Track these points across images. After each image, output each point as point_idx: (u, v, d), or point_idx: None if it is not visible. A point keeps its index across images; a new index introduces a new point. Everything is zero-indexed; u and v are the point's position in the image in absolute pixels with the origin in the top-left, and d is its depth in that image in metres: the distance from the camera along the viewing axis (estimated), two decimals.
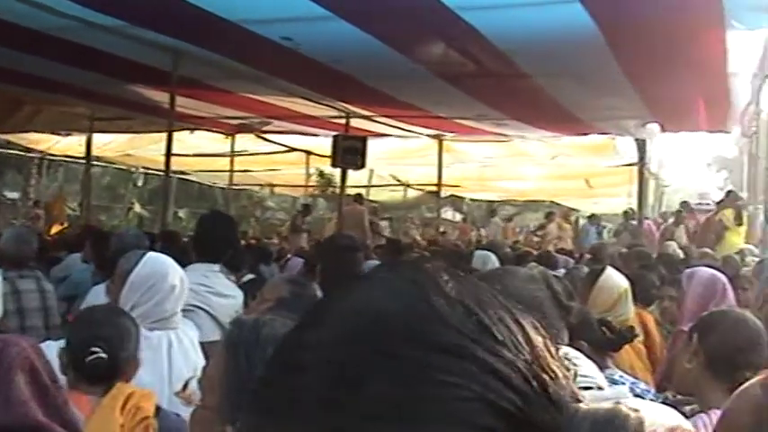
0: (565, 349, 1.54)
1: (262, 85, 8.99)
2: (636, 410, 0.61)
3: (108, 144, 14.97)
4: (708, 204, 12.65)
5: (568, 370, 0.63)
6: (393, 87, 8.94)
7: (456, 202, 22.13)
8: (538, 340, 0.62)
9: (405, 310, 0.59)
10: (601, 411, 0.60)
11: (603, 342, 2.91)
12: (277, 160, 16.03)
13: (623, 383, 2.47)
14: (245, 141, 14.05)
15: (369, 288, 0.63)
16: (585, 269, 4.76)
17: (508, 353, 0.59)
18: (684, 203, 13.32)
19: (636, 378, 3.01)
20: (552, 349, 0.63)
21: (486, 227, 18.01)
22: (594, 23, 6.10)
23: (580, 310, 3.05)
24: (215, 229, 4.19)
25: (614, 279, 3.88)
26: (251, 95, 9.83)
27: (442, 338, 0.58)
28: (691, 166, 39.75)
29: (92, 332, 2.50)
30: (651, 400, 2.42)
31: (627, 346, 3.20)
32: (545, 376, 0.60)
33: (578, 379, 1.49)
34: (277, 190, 21.29)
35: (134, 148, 15.47)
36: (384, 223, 18.46)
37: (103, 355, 2.44)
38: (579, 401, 0.61)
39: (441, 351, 0.57)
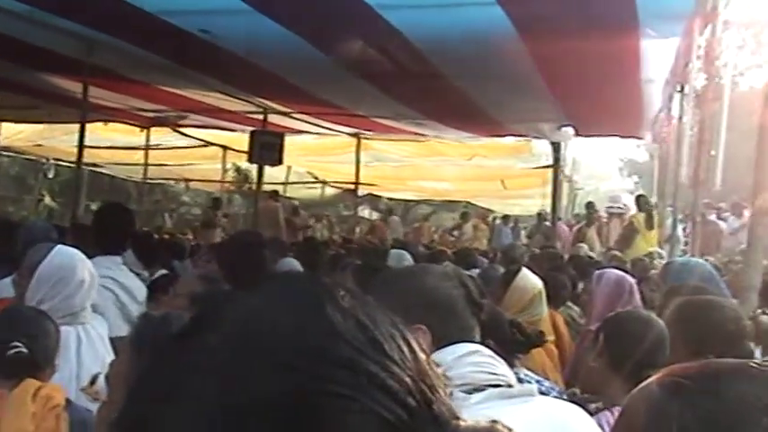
0: (477, 347, 1.55)
1: (178, 78, 8.83)
2: (510, 430, 0.65)
3: (18, 134, 14.50)
4: (619, 208, 12.99)
5: (447, 387, 0.65)
6: (312, 84, 8.89)
7: (373, 200, 22.18)
8: (422, 357, 0.64)
9: (299, 322, 0.60)
10: (479, 428, 0.63)
11: (513, 344, 2.95)
12: (193, 154, 15.79)
13: (529, 382, 2.51)
14: (160, 135, 13.78)
15: (266, 297, 0.64)
16: (501, 269, 4.83)
17: (397, 368, 0.60)
18: (590, 204, 13.66)
19: (544, 377, 3.06)
20: (434, 366, 0.65)
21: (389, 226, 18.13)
22: (513, 27, 6.18)
23: (492, 310, 3.10)
24: (112, 222, 4.07)
25: (529, 279, 3.95)
26: (167, 88, 9.65)
27: (335, 352, 0.59)
28: (604, 169, 40.73)
29: (14, 328, 2.48)
30: (555, 397, 2.46)
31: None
32: (429, 392, 0.61)
33: (489, 377, 1.51)
34: (193, 185, 20.95)
35: (45, 139, 15.01)
36: (311, 220, 18.44)
37: (24, 351, 2.42)
38: (458, 418, 0.63)
39: (332, 364, 0.58)
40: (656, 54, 7.08)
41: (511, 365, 2.83)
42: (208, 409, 0.56)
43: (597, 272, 4.16)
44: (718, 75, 7.95)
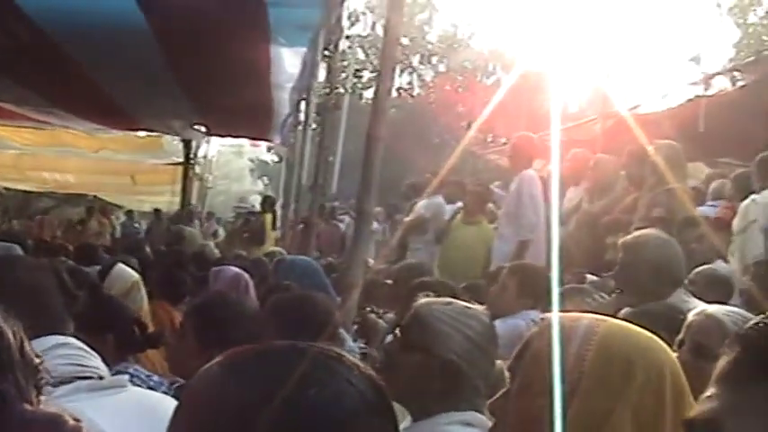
0: (66, 339, 1.52)
1: None
2: (77, 420, 0.67)
3: None
4: (247, 208, 13.33)
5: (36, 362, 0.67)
6: None
7: None
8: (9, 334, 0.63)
9: None
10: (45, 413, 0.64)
11: (131, 342, 2.95)
12: None
13: (135, 375, 2.51)
14: None
15: None
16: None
17: None
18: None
19: (156, 373, 3.07)
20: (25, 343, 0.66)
21: None
22: (146, 20, 6.06)
23: (117, 306, 3.08)
24: None
25: (125, 271, 4.06)
26: None
27: None
28: (238, 170, 41.40)
29: None
30: (164, 392, 2.48)
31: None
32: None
33: (78, 369, 1.48)
34: None
35: None
36: None
37: None
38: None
39: None
40: (286, 61, 7.37)
41: (123, 360, 2.82)
42: None
43: (215, 269, 4.27)
44: (339, 85, 8.50)
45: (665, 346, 1.34)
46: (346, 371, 0.92)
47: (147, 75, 7.82)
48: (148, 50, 6.78)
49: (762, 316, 0.71)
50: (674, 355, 1.43)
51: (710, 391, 0.70)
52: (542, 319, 1.38)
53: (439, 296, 2.44)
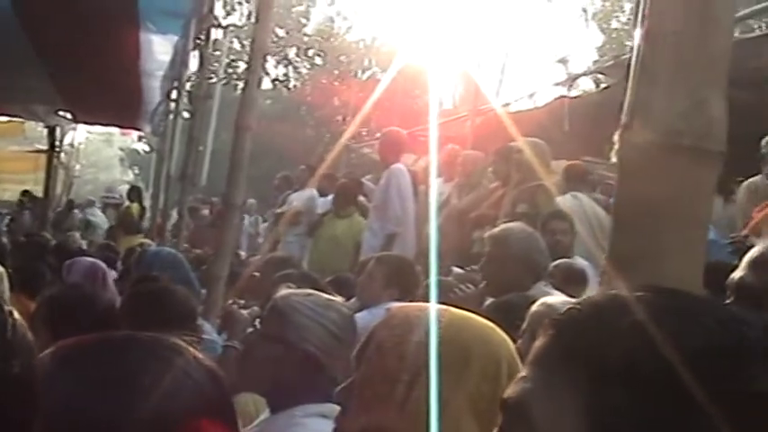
0: None
1: None
2: None
3: None
4: (115, 198, 12.94)
5: None
6: None
7: None
8: None
9: None
10: None
11: None
12: None
13: None
14: None
15: None
16: None
17: None
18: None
19: None
20: None
21: None
22: (9, 2, 5.80)
23: None
24: None
25: None
26: None
27: None
28: (107, 159, 40.09)
29: None
30: None
31: None
32: None
33: None
34: None
35: None
36: None
37: None
38: None
39: None
40: (157, 48, 7.19)
41: None
42: None
43: (68, 261, 4.14)
44: (212, 75, 8.37)
45: (504, 335, 1.39)
46: (183, 362, 0.91)
47: (8, 56, 7.47)
48: (9, 31, 6.48)
49: (576, 301, 0.74)
50: (517, 343, 1.48)
51: (523, 372, 0.73)
52: (389, 309, 1.41)
53: (301, 288, 2.44)
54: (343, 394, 1.44)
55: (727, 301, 1.58)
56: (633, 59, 1.16)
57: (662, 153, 1.07)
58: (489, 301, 3.63)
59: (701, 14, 1.11)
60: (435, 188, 6.76)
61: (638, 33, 1.19)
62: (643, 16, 1.16)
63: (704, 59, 1.10)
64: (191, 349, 0.95)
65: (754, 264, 1.64)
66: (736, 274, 1.66)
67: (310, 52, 25.97)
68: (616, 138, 1.19)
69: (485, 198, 6.87)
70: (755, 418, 0.62)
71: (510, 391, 0.72)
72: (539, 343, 0.72)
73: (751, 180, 5.45)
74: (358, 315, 2.86)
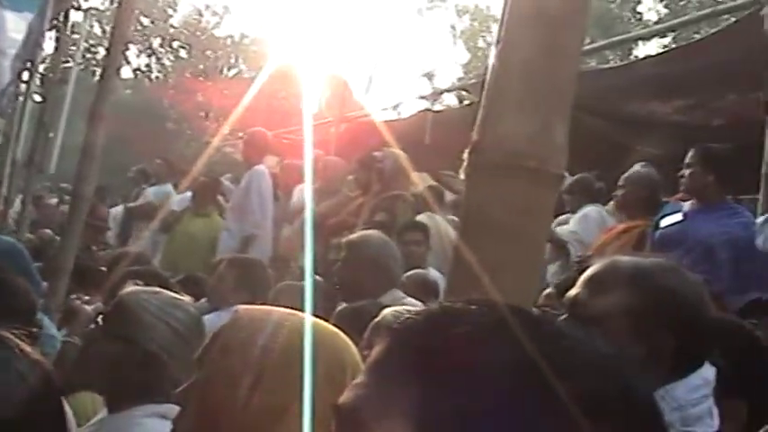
0: None
1: None
2: None
3: None
4: None
5: None
6: None
7: None
8: None
9: None
10: None
11: None
12: None
13: None
14: None
15: None
16: None
17: None
18: None
19: None
20: None
21: None
22: None
23: None
24: None
25: None
26: None
27: None
28: None
29: None
30: None
31: None
32: None
33: None
34: None
35: None
36: None
37: None
38: None
39: None
40: (10, 25, 6.84)
41: None
42: None
43: None
44: (69, 59, 8.03)
45: (348, 341, 1.40)
46: (6, 354, 0.87)
47: None
48: None
49: (413, 310, 0.76)
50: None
51: (359, 378, 0.74)
52: (236, 310, 1.40)
53: (149, 286, 2.38)
54: (183, 395, 1.42)
55: (562, 317, 1.65)
56: (487, 80, 1.21)
57: (507, 173, 1.12)
58: (342, 306, 3.66)
59: (550, 44, 1.17)
60: (310, 192, 6.75)
61: (492, 55, 1.24)
62: (497, 41, 1.20)
63: (550, 87, 1.16)
64: (18, 342, 0.91)
65: (588, 282, 1.72)
66: (572, 292, 1.73)
67: (175, 44, 25.38)
68: (465, 155, 1.23)
69: (344, 205, 6.91)
70: (577, 424, 0.65)
71: (344, 396, 0.73)
72: (375, 350, 0.74)
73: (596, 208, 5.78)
74: (207, 317, 2.82)
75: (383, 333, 0.74)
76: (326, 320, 1.49)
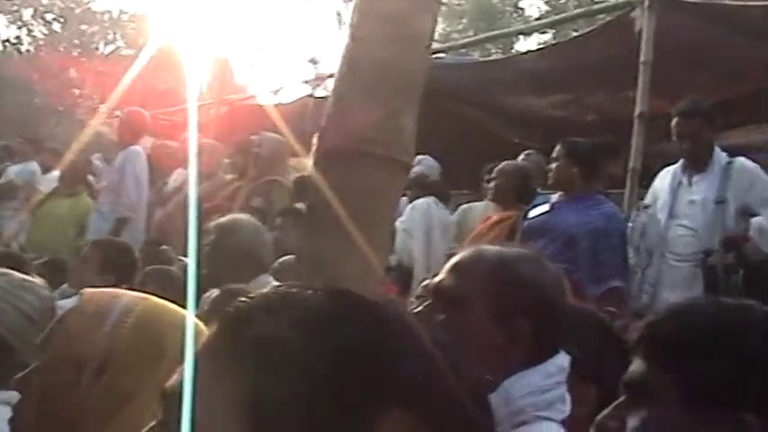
0: None
1: None
2: None
3: None
4: None
5: None
6: None
7: None
8: None
9: None
10: None
11: None
12: None
13: None
14: None
15: None
16: None
17: None
18: None
19: None
20: None
21: None
22: None
23: None
24: None
25: None
26: None
27: None
28: None
29: None
30: None
31: None
32: None
33: None
34: None
35: None
36: None
37: None
38: None
39: None
40: None
41: None
42: None
43: None
44: None
45: (202, 326, 1.37)
46: None
47: None
48: None
49: (248, 294, 0.75)
50: None
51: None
52: (82, 294, 1.35)
53: (1, 267, 2.27)
54: (22, 381, 1.36)
55: (427, 302, 1.67)
56: (337, 68, 1.20)
57: (352, 159, 1.12)
58: (212, 291, 3.60)
59: (399, 34, 1.17)
60: (195, 175, 6.59)
61: (343, 44, 1.23)
62: (349, 28, 1.19)
63: (399, 75, 1.16)
64: None
65: (453, 268, 1.74)
66: (437, 278, 1.75)
67: (49, 16, 24.30)
68: (314, 141, 1.22)
69: (220, 189, 6.81)
70: (404, 408, 0.66)
71: (172, 380, 0.71)
72: (208, 333, 0.72)
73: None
74: (67, 301, 2.72)
75: (216, 317, 0.73)
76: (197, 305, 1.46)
